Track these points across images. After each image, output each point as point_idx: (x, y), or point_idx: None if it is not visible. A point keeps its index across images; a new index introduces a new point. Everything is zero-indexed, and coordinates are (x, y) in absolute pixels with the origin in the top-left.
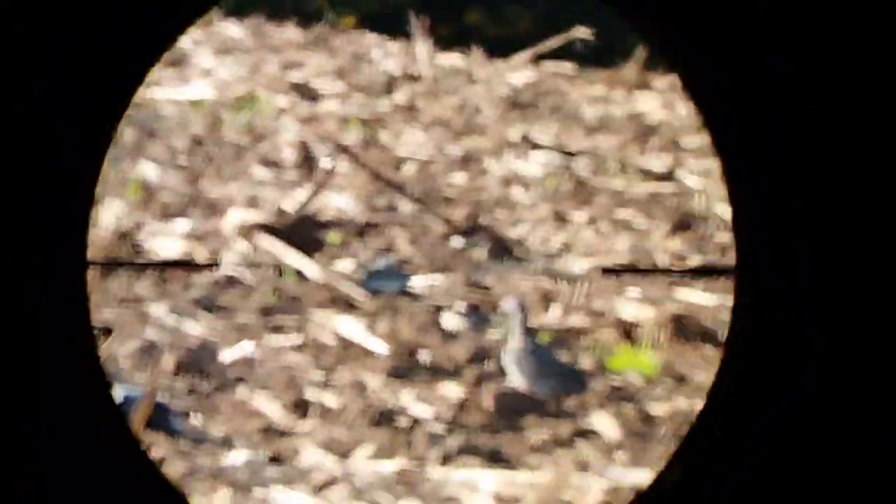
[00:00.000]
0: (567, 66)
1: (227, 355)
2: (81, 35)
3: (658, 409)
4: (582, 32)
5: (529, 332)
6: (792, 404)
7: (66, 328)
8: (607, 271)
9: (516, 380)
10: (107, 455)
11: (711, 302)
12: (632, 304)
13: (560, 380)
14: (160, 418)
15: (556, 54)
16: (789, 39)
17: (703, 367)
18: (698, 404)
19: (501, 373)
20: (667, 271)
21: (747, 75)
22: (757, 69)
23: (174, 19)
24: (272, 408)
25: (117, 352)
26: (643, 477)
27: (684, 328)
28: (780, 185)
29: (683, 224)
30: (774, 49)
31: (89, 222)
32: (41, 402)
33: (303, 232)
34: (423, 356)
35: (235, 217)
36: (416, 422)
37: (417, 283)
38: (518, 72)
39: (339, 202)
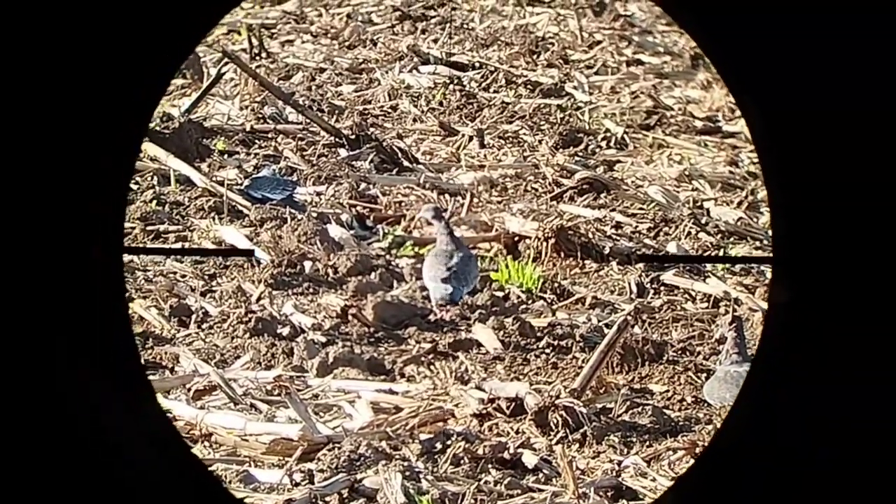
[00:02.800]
0: None
1: None
2: (114, 32)
3: (538, 322)
4: None
5: (453, 237)
6: (828, 400)
7: (101, 314)
8: (645, 258)
9: (434, 286)
10: (142, 439)
11: (593, 216)
12: (515, 218)
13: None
14: None
15: None
16: (834, 24)
17: (584, 280)
18: (579, 318)
19: (384, 283)
20: (701, 258)
21: (789, 68)
22: (796, 60)
23: (206, 8)
24: (152, 314)
25: None
26: (522, 389)
27: (566, 242)
28: (820, 177)
29: (570, 138)
30: (816, 37)
31: (125, 210)
32: (77, 384)
33: (188, 139)
34: (306, 266)
35: None
36: (296, 331)
37: (303, 192)
38: None
39: (226, 110)
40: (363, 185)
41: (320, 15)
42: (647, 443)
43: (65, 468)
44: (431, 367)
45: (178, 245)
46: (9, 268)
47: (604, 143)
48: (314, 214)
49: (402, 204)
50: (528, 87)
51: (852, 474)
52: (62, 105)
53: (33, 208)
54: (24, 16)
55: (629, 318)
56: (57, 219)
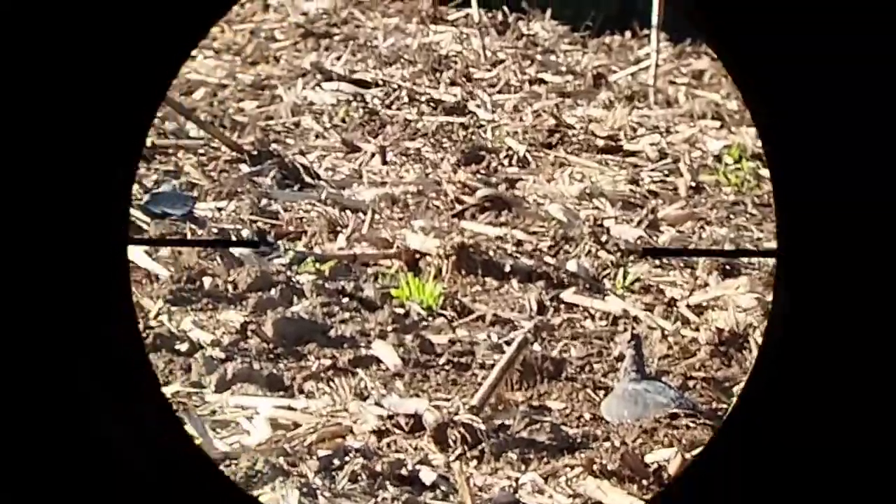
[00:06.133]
0: None
1: None
2: (120, 16)
3: (439, 339)
4: None
5: None
6: (832, 397)
7: (106, 306)
8: (648, 252)
9: None
10: (146, 431)
11: (494, 234)
12: (417, 235)
13: None
14: None
15: None
16: (840, 20)
17: (484, 298)
18: (479, 335)
19: (284, 300)
20: (706, 252)
21: (794, 57)
22: (806, 51)
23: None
24: None
25: None
26: (421, 405)
27: (467, 260)
28: (826, 169)
29: (472, 156)
30: (824, 30)
31: (130, 200)
32: (81, 378)
33: None
34: (206, 282)
35: None
36: (195, 347)
37: (203, 208)
38: (312, 0)
39: None
40: (264, 201)
41: (223, 31)
42: (545, 460)
43: (66, 463)
44: (331, 383)
45: None
46: (11, 261)
47: (506, 161)
48: (215, 230)
49: (304, 220)
50: (431, 104)
51: (854, 473)
52: (65, 97)
53: (36, 202)
54: (29, 14)
55: (528, 335)
56: (60, 211)
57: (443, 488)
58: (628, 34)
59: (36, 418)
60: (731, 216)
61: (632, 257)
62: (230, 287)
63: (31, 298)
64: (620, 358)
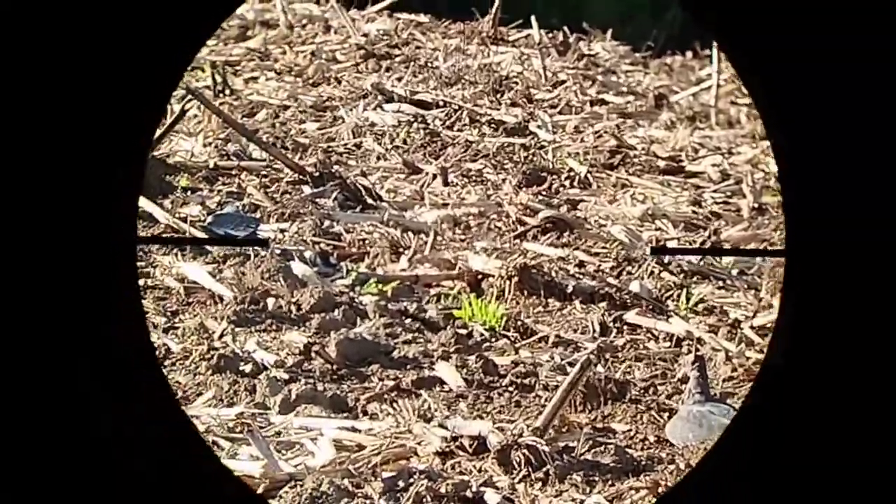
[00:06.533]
0: (423, 18)
1: None
2: (129, 14)
3: (501, 360)
4: None
5: None
6: (841, 395)
7: (115, 306)
8: (656, 251)
9: None
10: (154, 429)
11: (556, 255)
12: (479, 256)
13: None
14: None
15: (412, 6)
16: (847, 19)
17: (547, 319)
18: (542, 356)
19: (347, 321)
20: (714, 251)
21: (803, 56)
22: (813, 49)
23: None
24: None
25: None
26: (485, 427)
27: (529, 281)
28: (834, 167)
29: (534, 177)
30: (832, 29)
31: (138, 200)
32: (91, 378)
33: (151, 175)
34: (269, 303)
35: None
36: (259, 368)
37: (266, 229)
38: (374, 22)
39: (190, 146)
40: (327, 223)
41: (284, 53)
42: (610, 482)
43: (66, 463)
44: (394, 404)
45: (142, 282)
46: (20, 259)
47: (567, 183)
48: (277, 251)
49: (366, 241)
50: (492, 125)
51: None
52: (73, 95)
53: (43, 200)
54: (37, 10)
55: (592, 356)
56: (68, 209)
57: None
58: (689, 54)
59: (37, 418)
60: None
61: (691, 279)
62: (294, 308)
63: (38, 297)
64: (684, 380)
